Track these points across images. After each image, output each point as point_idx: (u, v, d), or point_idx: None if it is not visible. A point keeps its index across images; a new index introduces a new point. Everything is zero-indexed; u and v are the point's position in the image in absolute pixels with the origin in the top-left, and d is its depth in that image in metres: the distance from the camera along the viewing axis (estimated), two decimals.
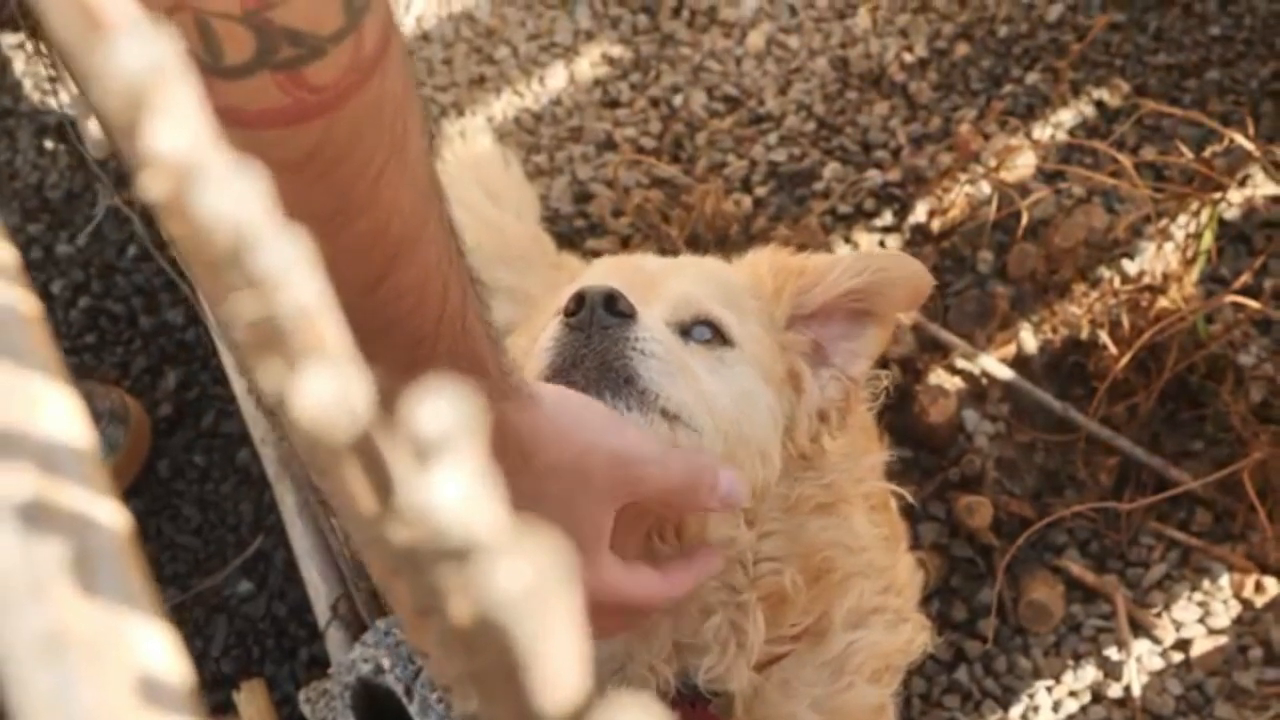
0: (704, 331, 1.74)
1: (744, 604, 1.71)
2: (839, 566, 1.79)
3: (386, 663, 2.13)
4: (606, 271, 1.92)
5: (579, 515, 1.43)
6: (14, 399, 0.55)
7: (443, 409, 0.39)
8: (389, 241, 1.17)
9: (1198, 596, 2.63)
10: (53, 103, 3.36)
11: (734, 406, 1.67)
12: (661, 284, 1.80)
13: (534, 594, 0.39)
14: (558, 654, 0.42)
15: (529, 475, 1.37)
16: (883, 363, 2.82)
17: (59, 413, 0.56)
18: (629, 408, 1.56)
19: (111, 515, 0.55)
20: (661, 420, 1.58)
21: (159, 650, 0.53)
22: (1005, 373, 2.84)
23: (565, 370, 1.59)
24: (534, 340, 1.68)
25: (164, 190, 0.46)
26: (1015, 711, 2.57)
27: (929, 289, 1.84)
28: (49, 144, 3.34)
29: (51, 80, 3.30)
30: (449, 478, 0.39)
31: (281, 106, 1.04)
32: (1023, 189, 3.00)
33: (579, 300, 1.61)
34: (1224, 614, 2.61)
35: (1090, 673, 2.59)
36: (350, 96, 1.06)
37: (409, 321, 1.22)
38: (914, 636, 1.96)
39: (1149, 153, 3.08)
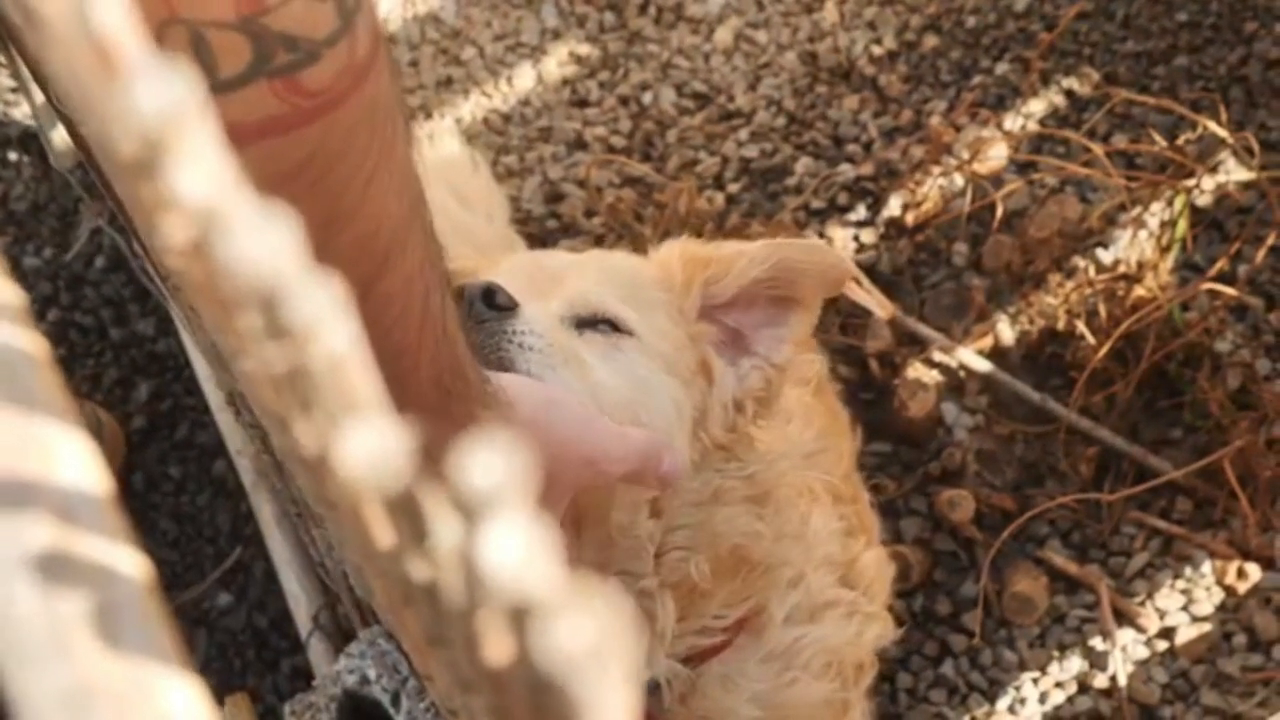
0: (603, 327, 1.73)
1: (647, 589, 1.70)
2: (755, 557, 1.78)
3: (372, 673, 2.12)
4: (511, 269, 1.90)
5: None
6: (27, 446, 0.54)
7: (494, 462, 0.38)
8: (378, 248, 1.16)
9: (1180, 584, 2.64)
10: (16, 113, 3.33)
11: (629, 396, 1.66)
12: (563, 281, 1.79)
13: (595, 652, 0.38)
14: (611, 708, 0.40)
15: None
16: (860, 358, 2.83)
17: (73, 459, 0.54)
18: None
19: (131, 564, 0.54)
20: None
21: (186, 702, 0.52)
22: (983, 365, 2.84)
23: None
24: None
25: (187, 237, 0.44)
26: (1002, 704, 2.57)
27: (846, 275, 1.84)
28: (13, 155, 3.30)
29: (14, 90, 3.27)
30: (505, 536, 0.38)
31: (278, 114, 1.02)
32: (996, 180, 3.00)
33: (458, 294, 1.60)
34: (1207, 601, 2.62)
35: (1076, 663, 2.59)
36: (345, 100, 1.05)
37: (394, 332, 1.21)
38: (864, 630, 1.96)
39: (1120, 141, 3.08)
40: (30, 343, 0.56)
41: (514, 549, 0.38)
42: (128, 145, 0.47)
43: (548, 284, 1.77)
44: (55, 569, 0.52)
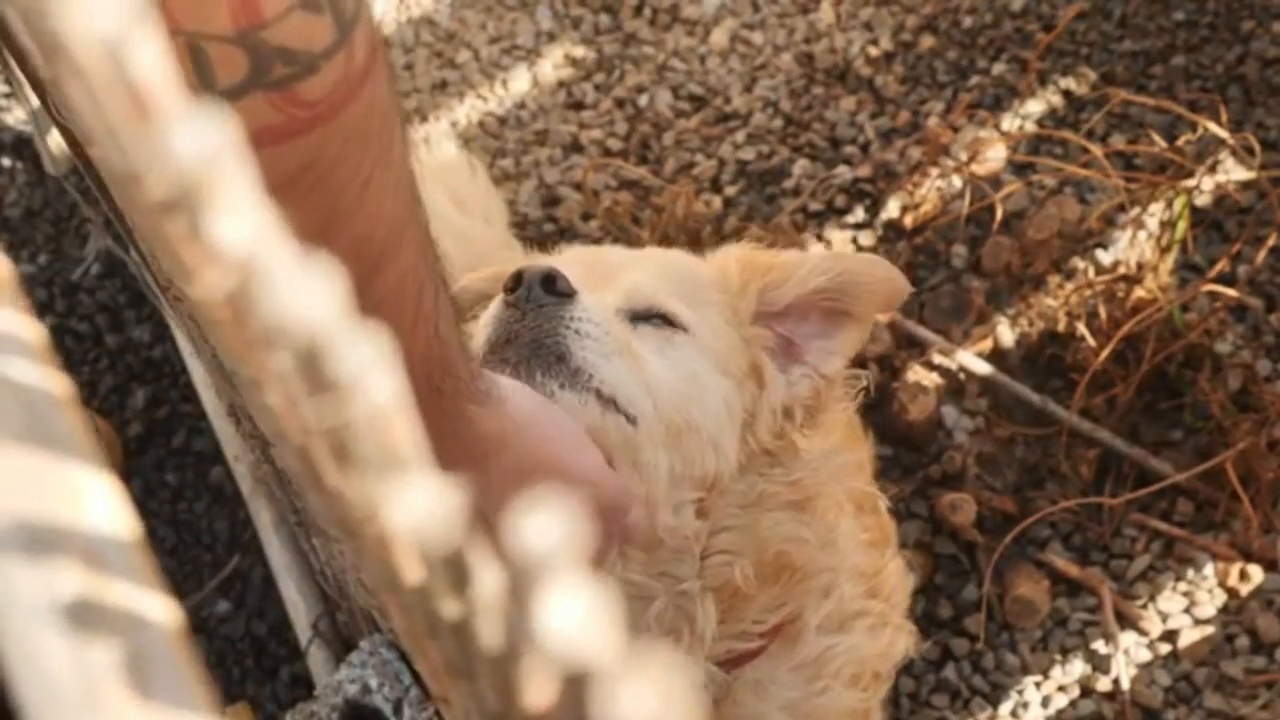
0: (657, 321, 1.73)
1: (689, 592, 1.70)
2: (797, 562, 1.77)
3: (374, 682, 2.11)
4: (569, 260, 1.91)
5: None
6: (54, 490, 0.53)
7: (550, 525, 0.37)
8: (372, 251, 1.17)
9: (1183, 587, 2.63)
10: (10, 119, 3.31)
11: (681, 391, 1.67)
12: (620, 274, 1.79)
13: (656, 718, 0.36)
14: None
15: (484, 477, 1.39)
16: (860, 361, 2.81)
17: (101, 502, 0.53)
18: (561, 386, 1.56)
19: (161, 611, 0.53)
20: (596, 403, 1.57)
21: None
22: (983, 368, 2.83)
23: (500, 346, 1.60)
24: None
25: (226, 287, 0.43)
26: (1005, 708, 2.56)
27: (905, 292, 1.83)
28: (7, 161, 3.29)
29: (9, 95, 3.25)
30: (565, 601, 0.37)
31: (274, 125, 1.02)
32: (994, 182, 2.99)
33: (518, 278, 1.61)
34: (1209, 604, 2.61)
35: (1078, 667, 2.58)
36: (341, 109, 1.05)
37: (385, 330, 1.21)
38: (894, 641, 1.95)
39: (1118, 141, 3.07)
40: (55, 383, 0.55)
41: (574, 614, 0.37)
42: (160, 188, 0.45)
43: (605, 277, 1.77)
44: (85, 617, 0.51)
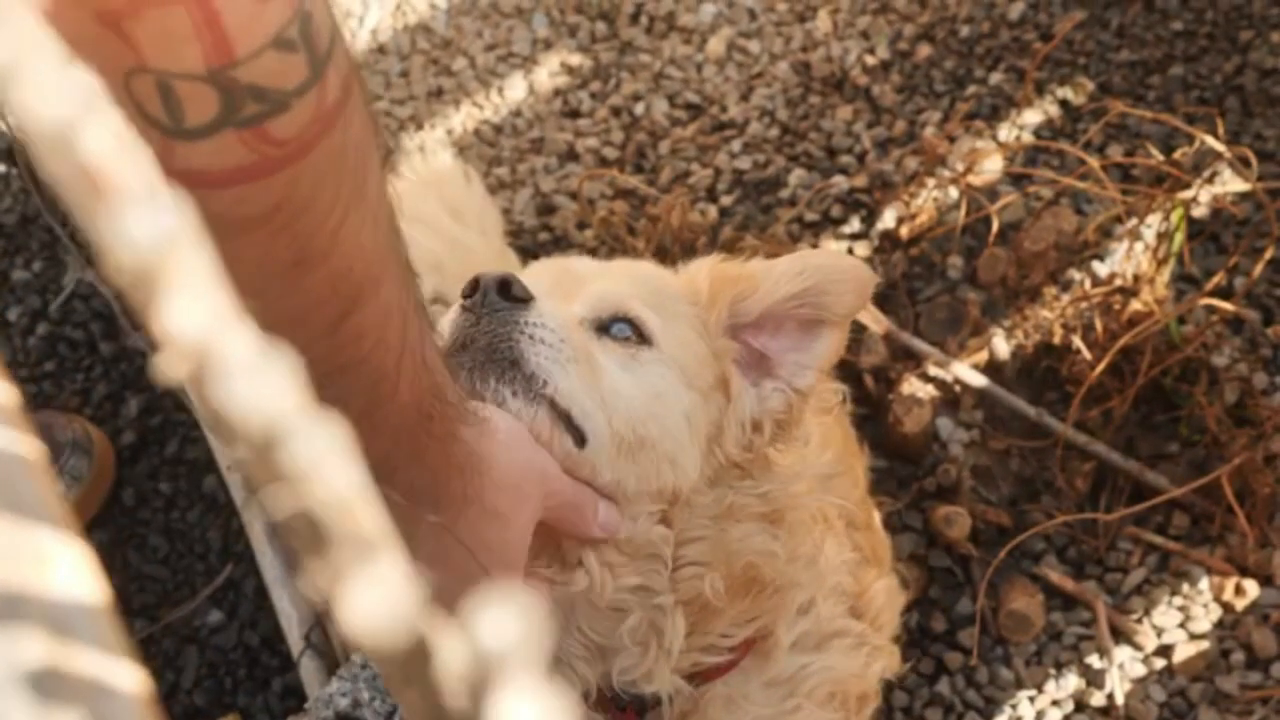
0: (623, 329, 1.71)
1: (662, 605, 1.69)
2: (767, 576, 1.75)
3: (365, 696, 2.10)
4: (537, 270, 1.91)
5: (517, 530, 1.47)
6: (20, 556, 0.52)
7: (506, 622, 0.36)
8: (351, 284, 1.17)
9: (1178, 601, 2.62)
10: (2, 126, 3.30)
11: (641, 406, 1.65)
12: (588, 284, 1.78)
13: None
14: None
15: (482, 495, 1.41)
16: (855, 373, 2.81)
17: (68, 569, 0.53)
18: (514, 393, 1.56)
19: (127, 678, 0.52)
20: (547, 415, 1.56)
21: None
22: (978, 380, 2.82)
23: (455, 351, 1.60)
24: None
25: (184, 373, 0.42)
26: None
27: (873, 285, 1.81)
28: (0, 167, 3.28)
29: None
30: (520, 706, 0.36)
31: (246, 164, 1.03)
32: (991, 193, 2.98)
33: (474, 283, 1.62)
34: (1205, 618, 2.60)
35: (1073, 681, 2.57)
36: (314, 146, 1.05)
37: (370, 360, 1.23)
38: (871, 662, 1.94)
39: (1115, 152, 3.06)
40: (21, 443, 0.54)
41: (530, 714, 0.36)
42: (123, 277, 0.45)
43: (573, 287, 1.77)
44: (49, 686, 0.50)
